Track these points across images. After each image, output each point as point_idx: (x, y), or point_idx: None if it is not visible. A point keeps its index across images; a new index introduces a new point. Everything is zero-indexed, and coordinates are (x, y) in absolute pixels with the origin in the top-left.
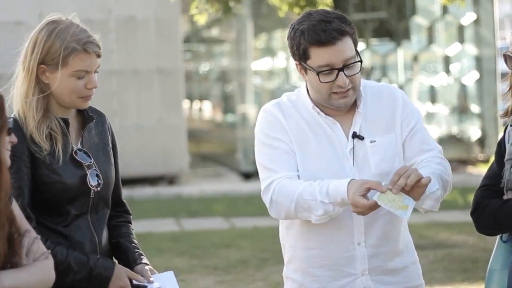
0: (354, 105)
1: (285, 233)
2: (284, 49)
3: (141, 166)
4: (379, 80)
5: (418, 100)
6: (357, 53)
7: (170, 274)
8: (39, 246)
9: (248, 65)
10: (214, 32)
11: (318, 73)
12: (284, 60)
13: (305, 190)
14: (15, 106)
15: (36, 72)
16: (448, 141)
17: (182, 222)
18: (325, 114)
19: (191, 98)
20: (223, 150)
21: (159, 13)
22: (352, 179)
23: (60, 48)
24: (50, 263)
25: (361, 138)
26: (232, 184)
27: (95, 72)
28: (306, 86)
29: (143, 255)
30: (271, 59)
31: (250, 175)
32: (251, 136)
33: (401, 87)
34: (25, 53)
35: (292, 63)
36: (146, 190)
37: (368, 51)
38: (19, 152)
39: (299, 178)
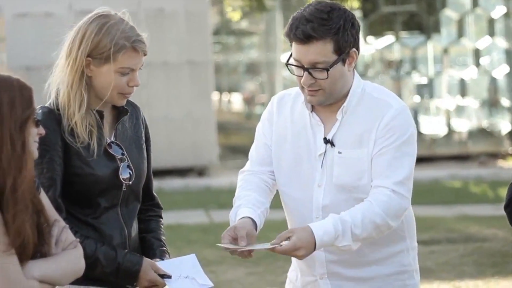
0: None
1: None
2: None
3: (170, 158)
4: (409, 73)
5: (448, 93)
6: (339, 56)
7: (192, 257)
8: (68, 235)
9: (277, 57)
10: (244, 24)
11: (286, 64)
12: None
13: (236, 198)
14: (54, 95)
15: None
16: (478, 134)
17: (211, 213)
18: (315, 111)
19: (220, 90)
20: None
21: (188, 6)
22: (244, 218)
23: (110, 43)
24: (79, 251)
25: (332, 145)
26: None
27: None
28: None
29: (166, 253)
30: None
31: None
32: None
33: (430, 80)
34: (71, 44)
35: None
36: (175, 181)
37: (398, 44)
38: (53, 143)
39: (273, 174)
